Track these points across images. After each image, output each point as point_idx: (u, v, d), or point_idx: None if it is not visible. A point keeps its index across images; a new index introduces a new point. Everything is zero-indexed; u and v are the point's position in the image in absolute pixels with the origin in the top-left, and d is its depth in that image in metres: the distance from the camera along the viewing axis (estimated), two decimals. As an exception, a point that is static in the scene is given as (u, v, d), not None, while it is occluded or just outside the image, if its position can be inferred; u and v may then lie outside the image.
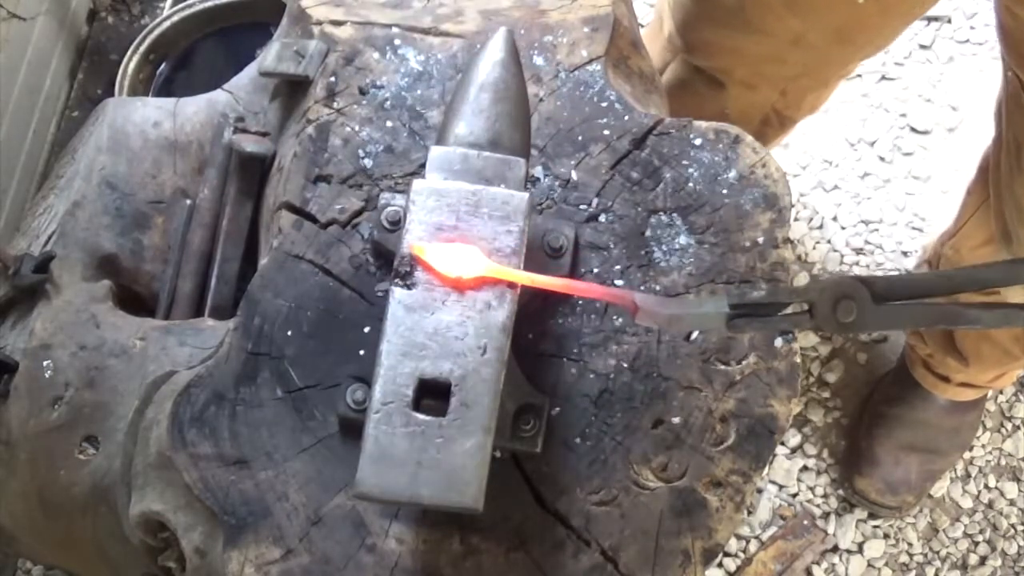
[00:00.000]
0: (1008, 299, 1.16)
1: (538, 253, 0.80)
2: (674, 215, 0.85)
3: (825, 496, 1.75)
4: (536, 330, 0.81)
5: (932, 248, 1.62)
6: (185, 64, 1.68)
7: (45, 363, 0.90)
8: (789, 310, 0.66)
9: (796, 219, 1.89)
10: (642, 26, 1.83)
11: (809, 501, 1.74)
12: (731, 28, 1.18)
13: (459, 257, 0.71)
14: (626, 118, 0.87)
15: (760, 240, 0.84)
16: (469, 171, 0.74)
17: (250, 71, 1.06)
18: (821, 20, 1.14)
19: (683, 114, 0.88)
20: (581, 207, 0.85)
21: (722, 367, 0.81)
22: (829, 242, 1.88)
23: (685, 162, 0.86)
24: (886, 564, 1.72)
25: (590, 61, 0.89)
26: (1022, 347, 1.44)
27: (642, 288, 0.83)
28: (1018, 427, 1.82)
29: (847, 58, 1.26)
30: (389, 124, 0.87)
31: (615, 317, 0.82)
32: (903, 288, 0.62)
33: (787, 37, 1.16)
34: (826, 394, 1.80)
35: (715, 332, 0.81)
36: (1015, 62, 1.09)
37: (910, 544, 1.74)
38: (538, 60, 0.89)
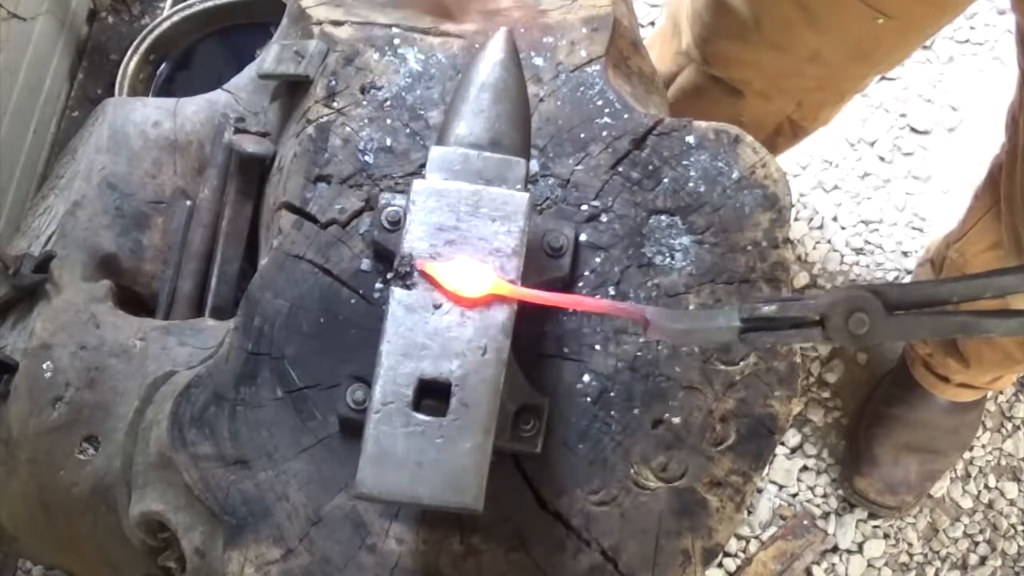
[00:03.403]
0: (1011, 305, 1.15)
1: (538, 253, 0.80)
2: (674, 215, 0.85)
3: (825, 496, 1.75)
4: (536, 330, 0.81)
5: (935, 249, 1.61)
6: (185, 64, 1.68)
7: (45, 363, 0.90)
8: (801, 322, 0.65)
9: (796, 219, 1.88)
10: (642, 26, 1.83)
11: (809, 501, 1.74)
12: (748, 43, 1.18)
13: (468, 274, 0.71)
14: (626, 118, 0.87)
15: (760, 240, 0.84)
16: (469, 171, 0.74)
17: (250, 71, 1.06)
18: (839, 37, 1.13)
19: (697, 117, 0.88)
20: (581, 207, 0.85)
21: (722, 367, 0.81)
22: (829, 242, 1.88)
23: (685, 162, 0.86)
24: (886, 564, 1.72)
25: (590, 61, 0.89)
26: (1023, 351, 1.44)
27: (641, 290, 0.83)
28: (1018, 427, 1.81)
29: (864, 73, 1.26)
30: (389, 124, 0.87)
31: (615, 318, 0.82)
32: (917, 297, 0.62)
33: (805, 53, 1.16)
34: (826, 394, 1.80)
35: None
36: None
37: (910, 544, 1.74)
38: (538, 60, 0.89)
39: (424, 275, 0.71)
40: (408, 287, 0.71)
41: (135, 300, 0.99)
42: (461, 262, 0.71)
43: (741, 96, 1.26)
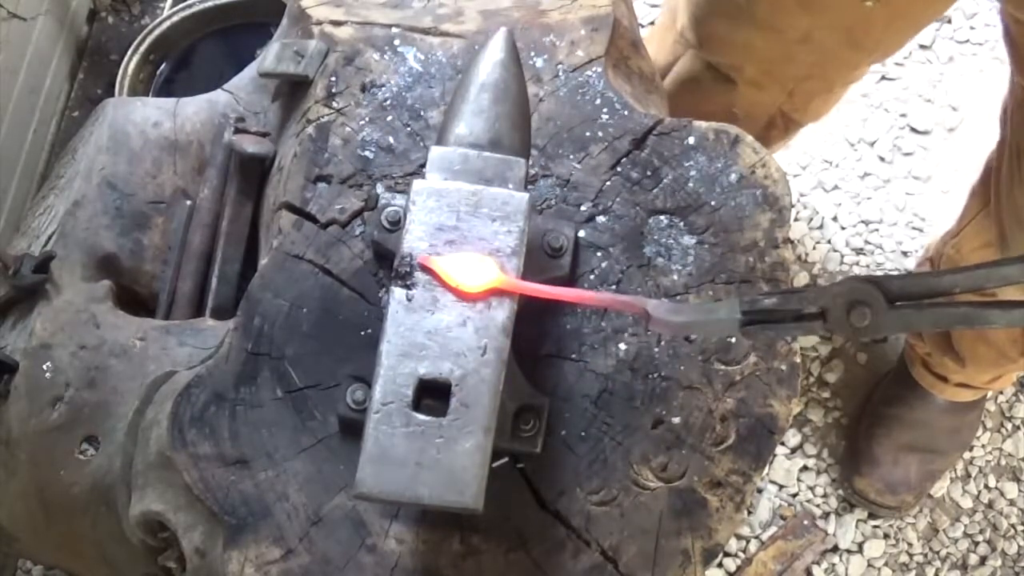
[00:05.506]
0: (1002, 298, 1.16)
1: (538, 253, 0.80)
2: (674, 215, 0.85)
3: (825, 496, 1.75)
4: (536, 330, 0.81)
5: (934, 247, 1.62)
6: (185, 64, 1.68)
7: (45, 363, 0.90)
8: (802, 315, 0.65)
9: (796, 219, 1.88)
10: (642, 26, 1.83)
11: (809, 501, 1.74)
12: (741, 23, 1.19)
13: (470, 268, 0.71)
14: (626, 117, 0.87)
15: (760, 240, 0.84)
16: (469, 171, 0.74)
17: (250, 71, 1.06)
18: (830, 19, 1.14)
19: (691, 109, 0.88)
20: (581, 207, 0.85)
21: (722, 367, 0.81)
22: (829, 242, 1.88)
23: (685, 162, 0.86)
24: (886, 564, 1.72)
25: (590, 61, 0.89)
26: (1018, 350, 1.44)
27: (641, 290, 0.83)
28: (1018, 427, 1.81)
29: (855, 62, 1.27)
30: (389, 124, 0.87)
31: (615, 317, 0.82)
32: (918, 288, 0.62)
33: (796, 35, 1.17)
34: (826, 394, 1.80)
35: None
36: (1021, 73, 1.09)
37: (910, 544, 1.74)
38: (538, 60, 0.89)
39: (425, 269, 0.71)
40: (408, 287, 0.71)
41: (135, 300, 0.99)
42: (462, 255, 0.71)
43: (734, 85, 1.27)
